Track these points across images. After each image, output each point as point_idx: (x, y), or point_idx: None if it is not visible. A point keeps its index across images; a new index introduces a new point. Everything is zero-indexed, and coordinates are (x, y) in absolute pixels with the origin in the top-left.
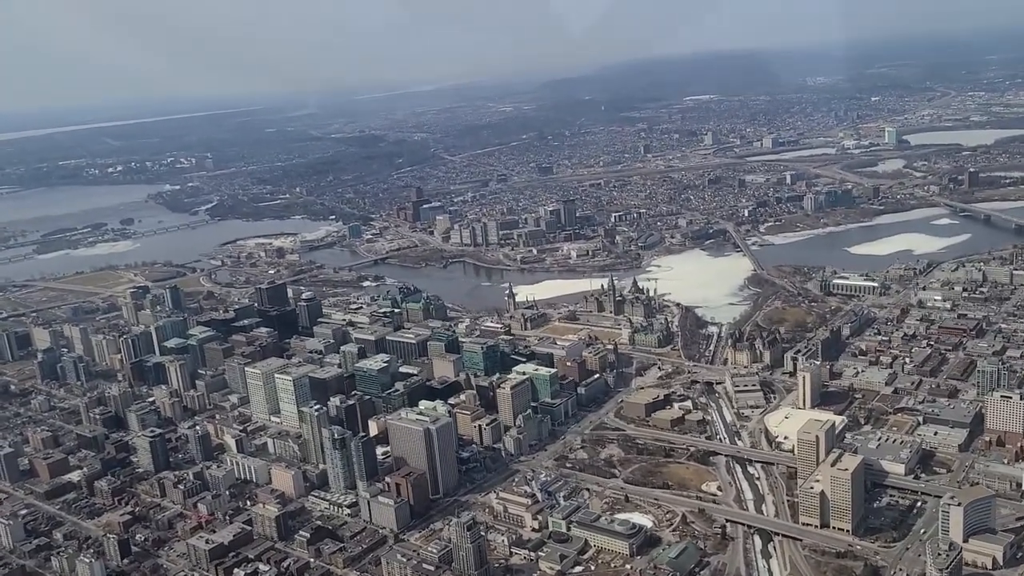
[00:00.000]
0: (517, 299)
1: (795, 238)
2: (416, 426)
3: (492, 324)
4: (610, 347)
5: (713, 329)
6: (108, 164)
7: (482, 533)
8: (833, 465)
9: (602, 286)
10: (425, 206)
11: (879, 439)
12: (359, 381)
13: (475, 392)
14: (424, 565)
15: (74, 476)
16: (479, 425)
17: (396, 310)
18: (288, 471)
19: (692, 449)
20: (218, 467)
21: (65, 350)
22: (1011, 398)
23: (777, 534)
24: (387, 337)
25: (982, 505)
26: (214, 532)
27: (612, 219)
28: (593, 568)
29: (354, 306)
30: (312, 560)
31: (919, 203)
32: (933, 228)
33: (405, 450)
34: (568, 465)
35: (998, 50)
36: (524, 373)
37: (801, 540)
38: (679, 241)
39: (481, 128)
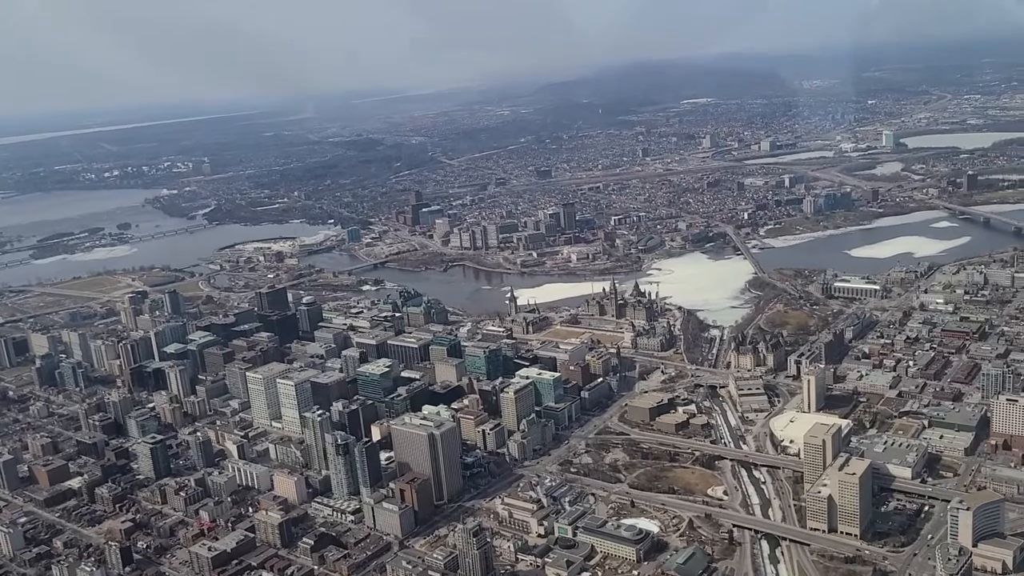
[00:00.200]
0: (518, 303)
1: (795, 241)
2: (420, 431)
3: (494, 328)
4: (613, 351)
5: (715, 332)
6: (105, 169)
7: (488, 539)
8: (840, 469)
9: (603, 289)
10: (424, 210)
11: (885, 443)
12: (361, 386)
13: (478, 396)
14: (430, 572)
15: (74, 483)
16: (483, 430)
17: (397, 314)
18: (291, 477)
19: (697, 453)
20: (220, 473)
21: (63, 356)
22: (1017, 401)
23: (784, 539)
24: (388, 341)
25: (991, 509)
26: (216, 539)
27: (612, 222)
28: (600, 574)
29: (355, 310)
30: (316, 567)
31: (918, 206)
32: (933, 231)
33: (409, 455)
34: (573, 470)
35: (992, 53)
36: (528, 377)
37: (809, 545)
38: (679, 244)
39: (479, 132)
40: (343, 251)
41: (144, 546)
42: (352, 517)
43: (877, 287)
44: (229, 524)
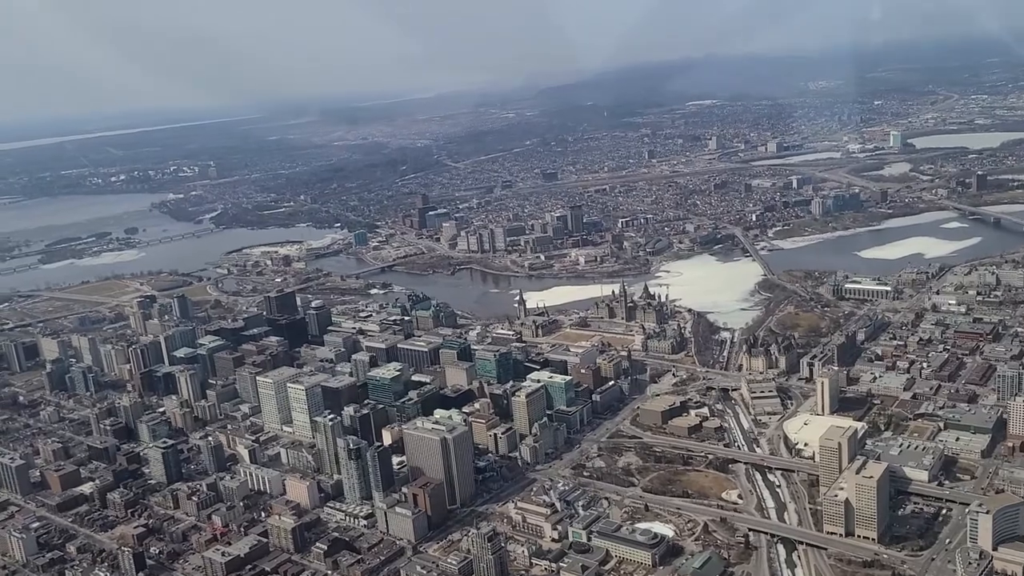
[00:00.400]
0: (527, 306)
1: (804, 242)
2: (433, 435)
3: (503, 331)
4: (624, 354)
5: (725, 335)
6: (111, 173)
7: (503, 544)
8: (858, 472)
9: (612, 292)
10: (431, 213)
11: (900, 445)
12: (371, 390)
13: (489, 400)
14: None
15: (86, 488)
16: (494, 434)
17: (406, 318)
18: (303, 482)
19: (711, 457)
20: (231, 478)
21: (73, 360)
22: None
23: (801, 543)
24: (398, 345)
25: (1011, 512)
26: (230, 544)
27: (619, 225)
28: None
29: (363, 314)
30: (330, 572)
31: (927, 206)
32: (943, 231)
33: (421, 460)
34: (586, 474)
35: (998, 53)
36: (539, 381)
37: (826, 549)
38: (687, 246)
39: (484, 134)
40: (350, 255)
41: (157, 551)
42: (365, 522)
43: (888, 288)
44: (242, 529)
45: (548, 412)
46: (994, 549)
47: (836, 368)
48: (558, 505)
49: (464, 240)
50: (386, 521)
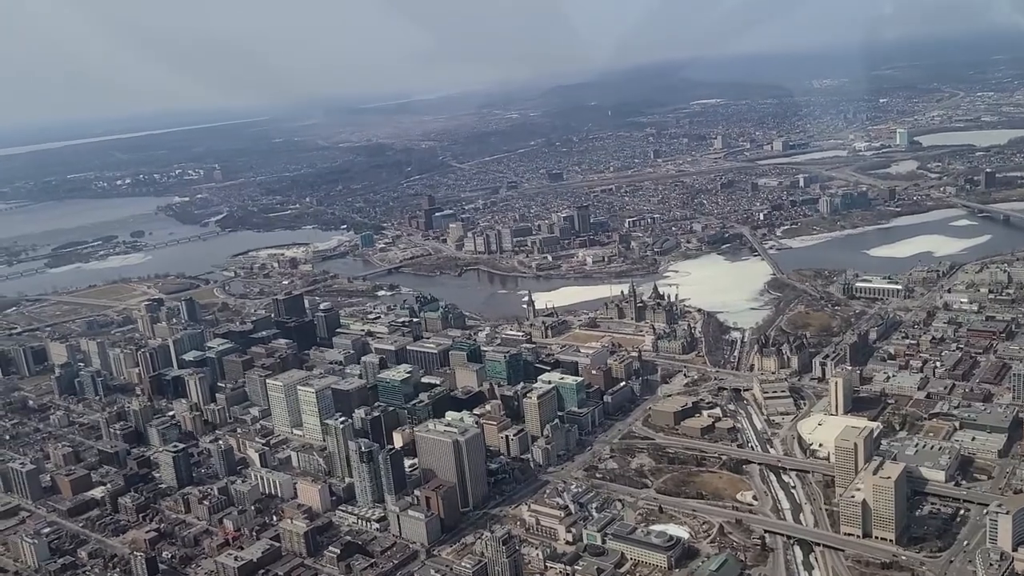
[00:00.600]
0: (535, 306)
1: (812, 241)
2: (445, 438)
3: (513, 332)
4: (634, 354)
5: (736, 335)
6: (116, 177)
7: (517, 547)
8: (875, 473)
9: (622, 292)
10: (437, 214)
11: (916, 445)
12: (382, 392)
13: (499, 402)
14: None
15: (97, 492)
16: (506, 436)
17: (414, 319)
18: (314, 485)
19: (724, 458)
20: (243, 482)
21: (82, 364)
22: None
23: (818, 544)
24: (407, 347)
25: None
26: (242, 549)
27: (626, 225)
28: None
29: (372, 316)
30: None
31: (936, 204)
32: (952, 229)
33: (433, 462)
34: (598, 476)
35: (1003, 50)
36: (550, 382)
37: (843, 551)
38: (695, 246)
39: (488, 135)
40: (357, 256)
41: (169, 556)
42: (377, 525)
43: (899, 287)
44: (254, 533)
45: (559, 414)
46: (1014, 550)
47: (849, 368)
48: (572, 507)
49: (471, 241)
50: (399, 524)
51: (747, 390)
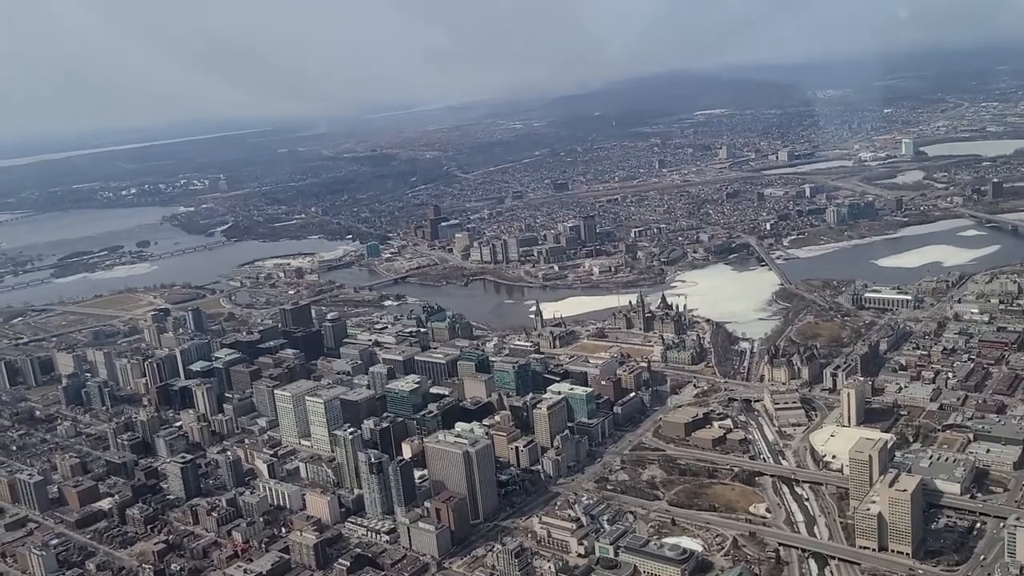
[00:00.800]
0: (543, 316)
1: (820, 251)
2: (455, 449)
3: (521, 342)
4: (643, 365)
5: (745, 345)
6: (122, 187)
7: (530, 560)
8: (891, 486)
9: (630, 302)
10: (443, 224)
11: (930, 457)
12: (390, 403)
13: (509, 413)
14: None
15: (104, 504)
16: (516, 447)
17: (422, 329)
18: (323, 497)
19: (736, 469)
20: (251, 493)
21: (89, 375)
22: None
23: (834, 558)
24: (415, 357)
25: None
26: (251, 561)
27: (632, 235)
28: None
29: (379, 326)
30: None
31: (943, 214)
32: (960, 239)
33: (443, 474)
34: (609, 487)
35: (1007, 60)
36: (559, 393)
37: (859, 564)
38: (702, 256)
39: (493, 145)
40: (363, 266)
41: (178, 568)
42: (387, 537)
43: (909, 297)
44: (263, 545)
45: (569, 424)
46: None
47: (861, 378)
48: (583, 520)
49: (477, 251)
50: (409, 536)
51: (758, 401)
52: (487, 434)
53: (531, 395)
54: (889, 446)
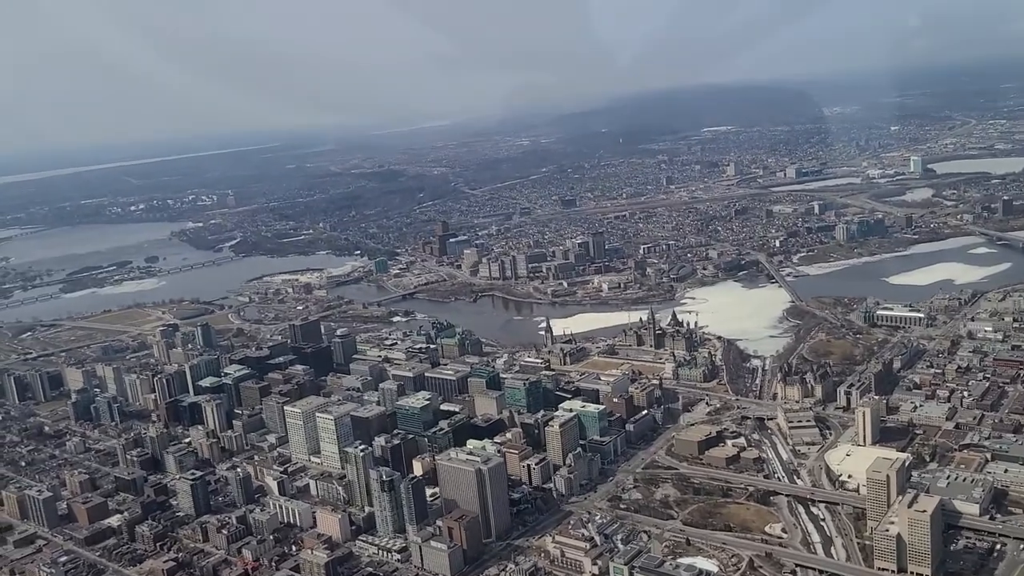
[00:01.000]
0: (553, 333)
1: (830, 268)
2: (468, 467)
3: (531, 359)
4: (655, 382)
5: (756, 362)
6: (130, 202)
7: None
8: (910, 506)
9: (640, 319)
10: (451, 240)
11: (948, 477)
12: (400, 419)
13: (520, 430)
14: None
15: (113, 521)
16: (528, 465)
17: (431, 346)
18: (334, 514)
19: (751, 489)
20: (261, 510)
21: (98, 390)
22: None
23: None
24: (425, 374)
25: None
26: None
27: (641, 251)
28: None
29: (388, 342)
30: None
31: (954, 232)
32: (972, 257)
33: (456, 492)
34: (622, 506)
35: (1012, 78)
36: (571, 410)
37: None
38: (712, 273)
39: (500, 162)
40: (371, 282)
41: None
42: (399, 556)
43: (922, 315)
44: (273, 563)
45: (581, 442)
46: None
47: (876, 397)
48: (597, 539)
49: (486, 267)
50: (421, 555)
51: (771, 419)
52: (499, 452)
53: (542, 412)
54: (906, 465)
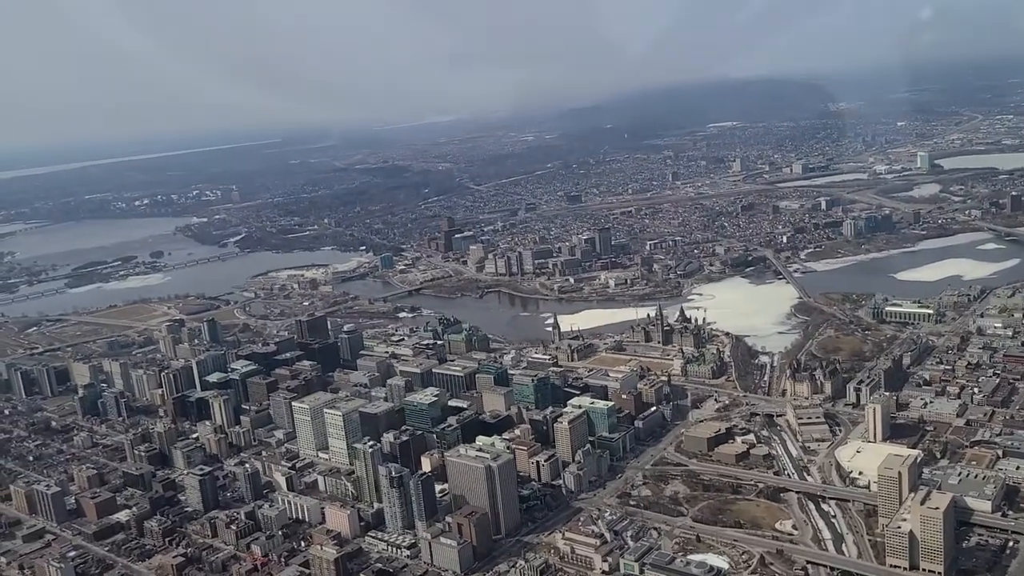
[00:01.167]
0: (560, 329)
1: (837, 264)
2: (477, 463)
3: (538, 355)
4: (664, 379)
5: (765, 359)
6: (135, 197)
7: None
8: (922, 503)
9: (648, 315)
10: (457, 236)
11: (960, 474)
12: (409, 416)
13: (528, 426)
14: None
15: (122, 516)
16: (537, 461)
17: (438, 342)
18: (343, 510)
19: (761, 485)
20: (270, 506)
21: (105, 385)
22: None
23: None
24: (433, 370)
25: None
26: (271, 575)
27: (647, 247)
28: None
29: (395, 338)
30: None
31: (962, 228)
32: (980, 253)
33: (465, 488)
34: (632, 503)
35: (1020, 74)
36: (580, 406)
37: None
38: (718, 269)
39: (505, 157)
40: (377, 278)
41: None
42: (408, 552)
43: (931, 311)
44: (282, 559)
45: (590, 439)
46: None
47: (886, 393)
48: (607, 536)
49: (492, 263)
50: (430, 552)
51: (780, 416)
52: (508, 448)
53: (551, 409)
54: (918, 462)
